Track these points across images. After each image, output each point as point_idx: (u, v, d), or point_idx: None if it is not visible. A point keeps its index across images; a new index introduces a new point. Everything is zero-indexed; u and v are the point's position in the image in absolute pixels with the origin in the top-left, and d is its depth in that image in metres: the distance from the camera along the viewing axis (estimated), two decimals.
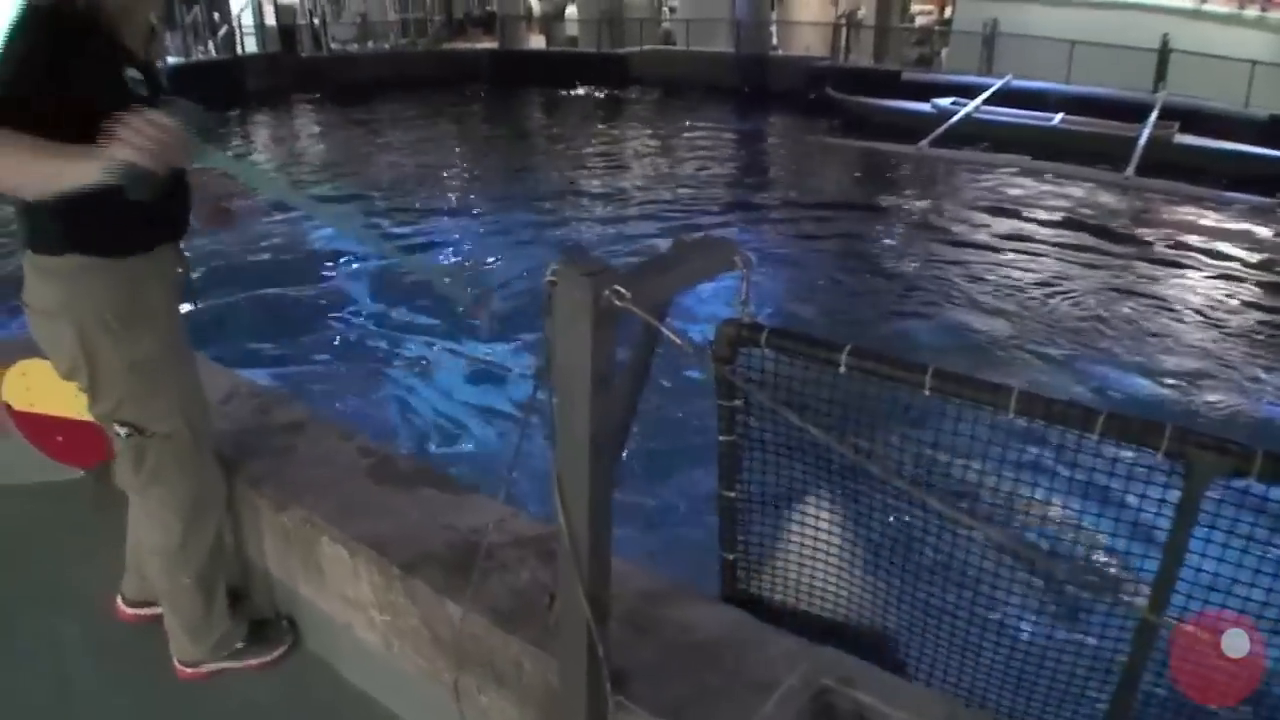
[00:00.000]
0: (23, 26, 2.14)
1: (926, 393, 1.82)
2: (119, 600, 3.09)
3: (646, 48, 26.47)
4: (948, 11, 25.35)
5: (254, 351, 7.59)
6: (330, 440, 3.12)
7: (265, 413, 3.31)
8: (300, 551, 2.79)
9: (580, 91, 24.77)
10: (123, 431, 2.49)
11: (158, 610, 2.89)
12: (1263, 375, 7.88)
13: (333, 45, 27.81)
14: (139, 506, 2.69)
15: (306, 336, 8.06)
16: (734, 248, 1.88)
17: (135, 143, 1.93)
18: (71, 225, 2.23)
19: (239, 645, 2.88)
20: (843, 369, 1.88)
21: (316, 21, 28.03)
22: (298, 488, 2.83)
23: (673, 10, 29.24)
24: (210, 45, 24.52)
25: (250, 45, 25.12)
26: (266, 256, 10.27)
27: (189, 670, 2.82)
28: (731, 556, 2.44)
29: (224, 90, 20.83)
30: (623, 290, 1.48)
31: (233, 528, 2.99)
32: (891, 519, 2.22)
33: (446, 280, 2.96)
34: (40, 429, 3.36)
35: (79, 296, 2.32)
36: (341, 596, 2.70)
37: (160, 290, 2.50)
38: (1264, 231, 12.78)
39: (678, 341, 1.56)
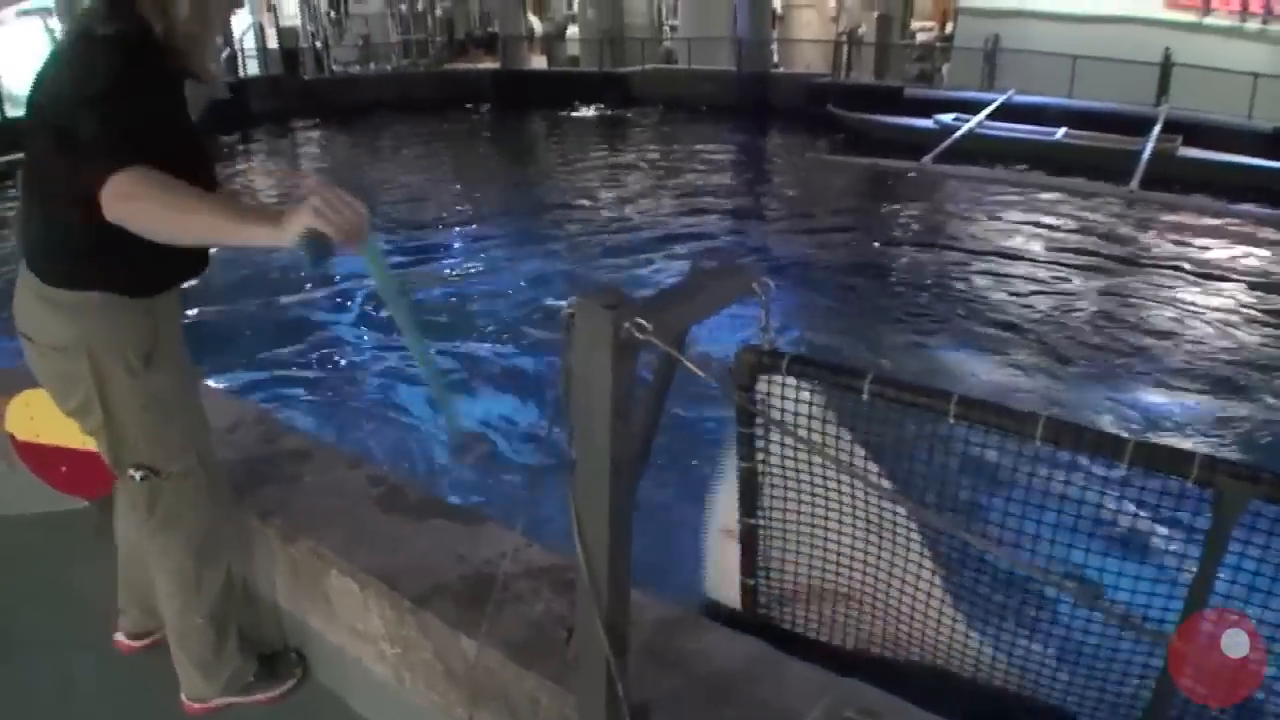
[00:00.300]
0: (98, 56, 2.11)
1: (951, 421, 1.78)
2: (119, 636, 3.05)
3: (648, 67, 26.48)
4: (949, 28, 25.39)
5: (253, 367, 7.57)
6: (338, 469, 3.08)
7: (272, 441, 3.28)
8: (309, 584, 2.75)
9: (582, 111, 24.79)
10: (137, 475, 2.44)
11: (158, 636, 2.87)
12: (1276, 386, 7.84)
13: (335, 67, 27.85)
14: (149, 549, 2.64)
15: (309, 354, 8.03)
16: (752, 274, 1.84)
17: (330, 217, 1.92)
18: (103, 262, 2.18)
19: (249, 679, 2.84)
20: (865, 396, 1.84)
21: (318, 44, 28.10)
22: (306, 518, 2.79)
23: (674, 29, 29.32)
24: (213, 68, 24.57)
25: (252, 68, 25.19)
26: (265, 270, 10.25)
27: (197, 705, 2.78)
28: (752, 581, 2.40)
29: (227, 113, 20.86)
30: (644, 323, 1.44)
31: (241, 560, 2.95)
32: (915, 540, 2.18)
33: (457, 421, 3.00)
34: (44, 459, 3.33)
35: (99, 334, 2.27)
36: (351, 629, 2.66)
37: (175, 325, 2.47)
38: (1270, 243, 12.76)
39: (700, 374, 1.52)
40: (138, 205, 1.96)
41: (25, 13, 20.63)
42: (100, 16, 2.16)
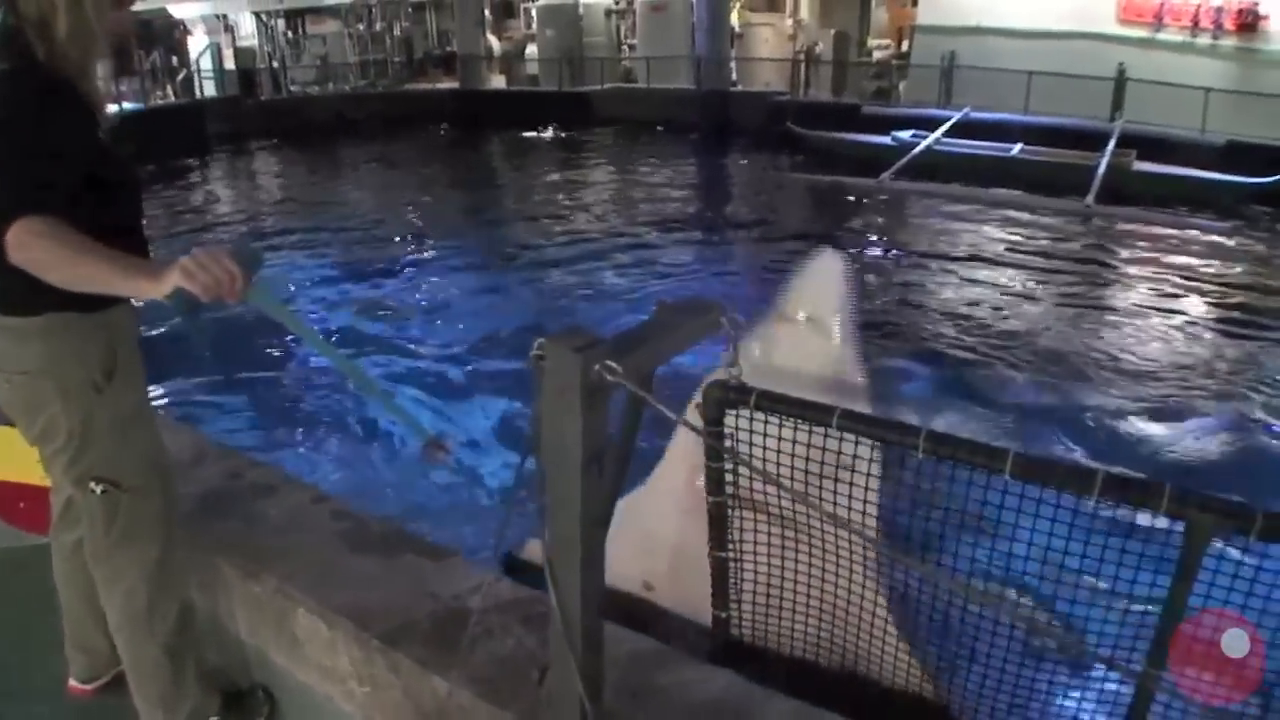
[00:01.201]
0: None
1: (919, 456, 1.78)
2: (70, 682, 2.98)
3: (607, 85, 26.57)
4: (905, 45, 25.63)
5: (214, 403, 7.46)
6: (303, 504, 3.05)
7: (236, 475, 3.24)
8: (274, 621, 2.72)
9: (542, 130, 24.79)
10: (98, 489, 2.41)
11: (108, 679, 2.85)
12: (1235, 397, 7.94)
13: (293, 88, 27.77)
14: (103, 573, 2.59)
15: (269, 387, 7.93)
16: (719, 309, 1.84)
17: (198, 278, 2.01)
18: (52, 285, 2.16)
19: (212, 716, 2.79)
20: (834, 431, 1.84)
21: (276, 64, 28.01)
22: (270, 555, 2.76)
23: (632, 48, 29.41)
24: (169, 89, 24.41)
25: (209, 89, 25.03)
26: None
27: None
28: (724, 614, 2.39)
29: (185, 134, 20.69)
30: (614, 365, 1.43)
31: (205, 595, 2.90)
32: (885, 574, 2.18)
33: (416, 425, 2.95)
34: (3, 497, 3.27)
35: (63, 355, 2.27)
36: (319, 668, 2.62)
37: (133, 340, 2.46)
38: (1223, 255, 12.96)
39: (669, 415, 1.51)
40: (31, 256, 2.03)
41: None
42: None
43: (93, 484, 2.41)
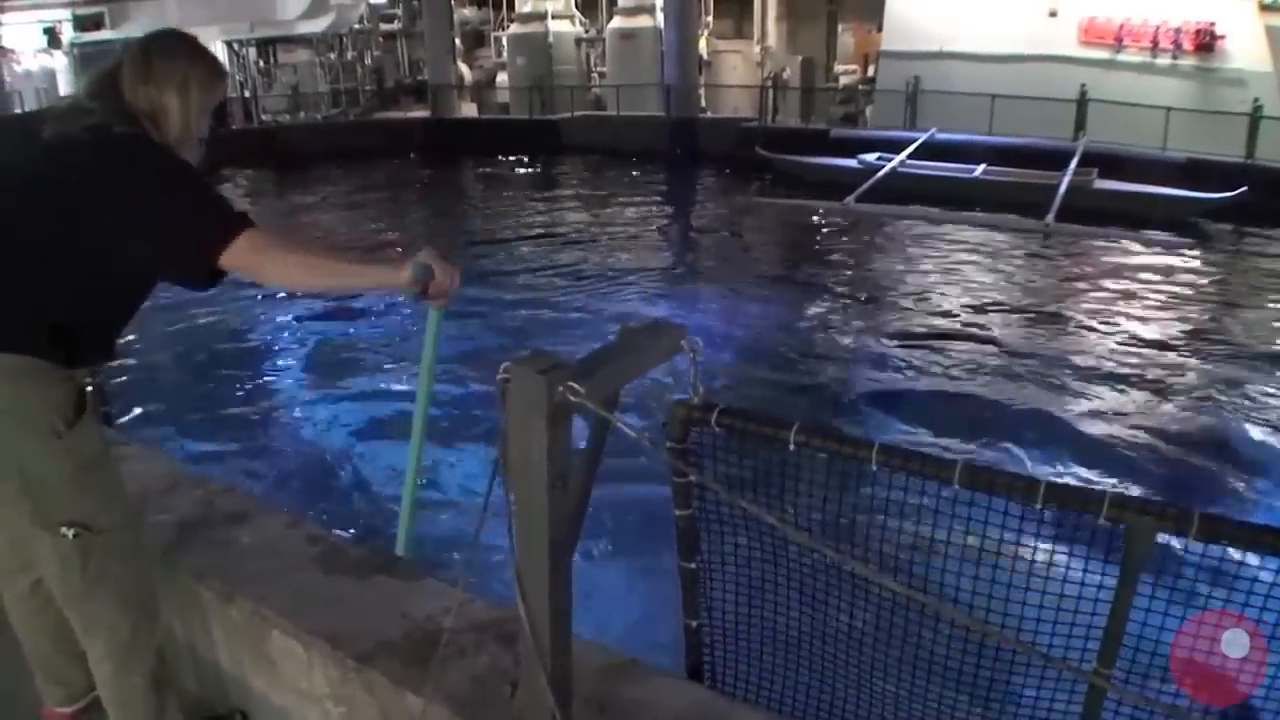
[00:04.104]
0: (139, 149, 2.26)
1: (873, 468, 1.85)
2: (47, 706, 2.98)
3: (577, 113, 26.76)
4: (870, 70, 25.93)
5: (189, 433, 7.48)
6: (276, 529, 3.08)
7: (209, 503, 3.26)
8: (250, 645, 2.75)
9: (513, 158, 24.92)
10: (70, 533, 2.41)
11: (87, 701, 2.82)
12: (1193, 408, 8.08)
13: (264, 117, 27.79)
14: (80, 613, 2.59)
15: (242, 415, 7.96)
16: (681, 332, 1.91)
17: (443, 269, 2.34)
18: (36, 328, 2.22)
19: None
20: (792, 446, 1.91)
21: (248, 94, 28.03)
22: (245, 579, 2.79)
23: (602, 76, 29.62)
24: None
25: None
26: (199, 331, 10.17)
27: None
28: (695, 624, 2.45)
29: None
30: (577, 387, 1.50)
31: (181, 622, 2.93)
32: (843, 587, 2.25)
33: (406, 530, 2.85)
34: None
35: (26, 401, 2.27)
36: (296, 690, 2.66)
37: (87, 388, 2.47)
38: (1179, 268, 13.19)
39: (632, 434, 1.58)
40: (272, 255, 2.22)
41: None
42: (109, 118, 2.26)
43: (64, 529, 2.39)
